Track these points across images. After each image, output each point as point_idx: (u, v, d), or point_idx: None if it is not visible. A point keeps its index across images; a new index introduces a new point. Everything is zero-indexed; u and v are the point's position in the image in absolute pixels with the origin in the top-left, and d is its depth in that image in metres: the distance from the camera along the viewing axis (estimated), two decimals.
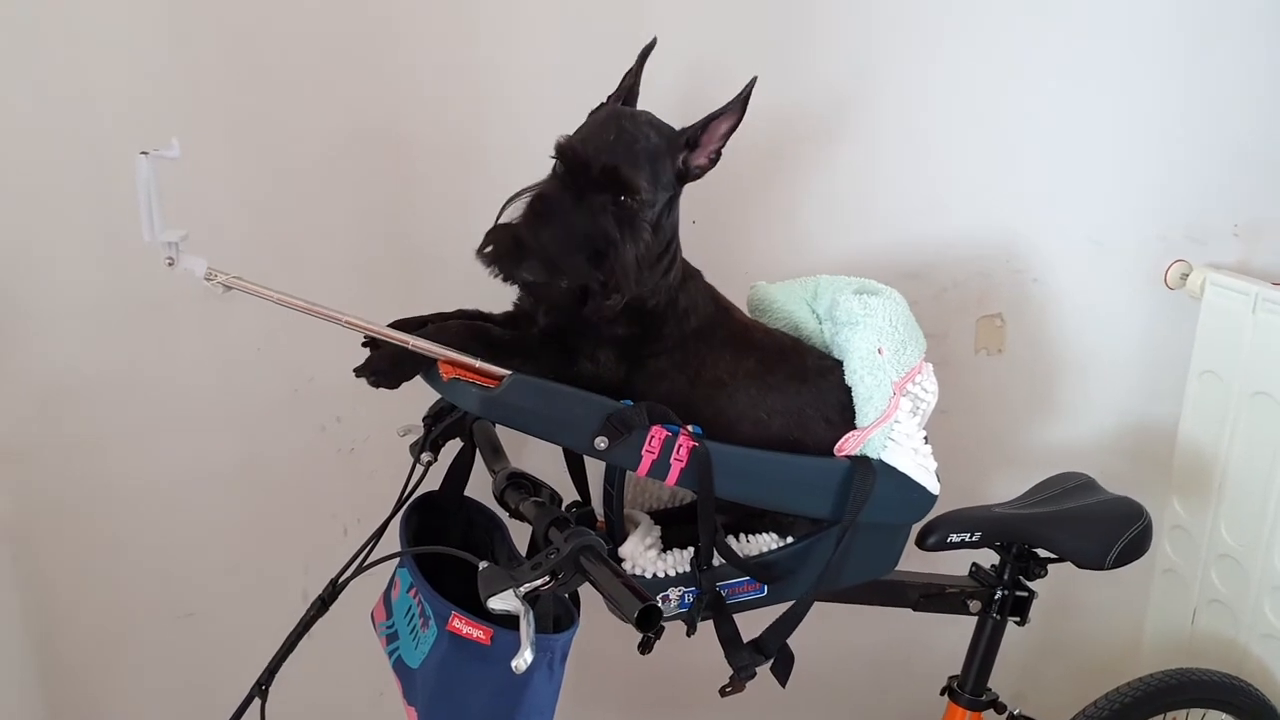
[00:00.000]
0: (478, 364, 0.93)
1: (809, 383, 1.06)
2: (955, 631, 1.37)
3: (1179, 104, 1.60)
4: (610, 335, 0.99)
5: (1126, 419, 1.77)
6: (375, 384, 0.94)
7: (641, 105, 1.02)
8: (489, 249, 0.94)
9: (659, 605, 0.80)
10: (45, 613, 1.34)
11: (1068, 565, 1.28)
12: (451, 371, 0.93)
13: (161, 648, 1.41)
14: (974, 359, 1.65)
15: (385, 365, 0.94)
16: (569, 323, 0.98)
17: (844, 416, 1.06)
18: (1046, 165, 1.58)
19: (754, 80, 0.97)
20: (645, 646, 0.96)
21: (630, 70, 1.04)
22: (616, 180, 0.93)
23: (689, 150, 0.99)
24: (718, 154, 1.01)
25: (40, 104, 1.16)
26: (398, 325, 0.98)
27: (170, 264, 0.88)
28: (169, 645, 1.41)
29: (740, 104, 0.98)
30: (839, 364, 1.09)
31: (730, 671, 1.04)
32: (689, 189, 1.39)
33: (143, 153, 0.85)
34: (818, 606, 1.06)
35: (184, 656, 1.42)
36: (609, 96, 1.04)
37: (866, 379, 1.03)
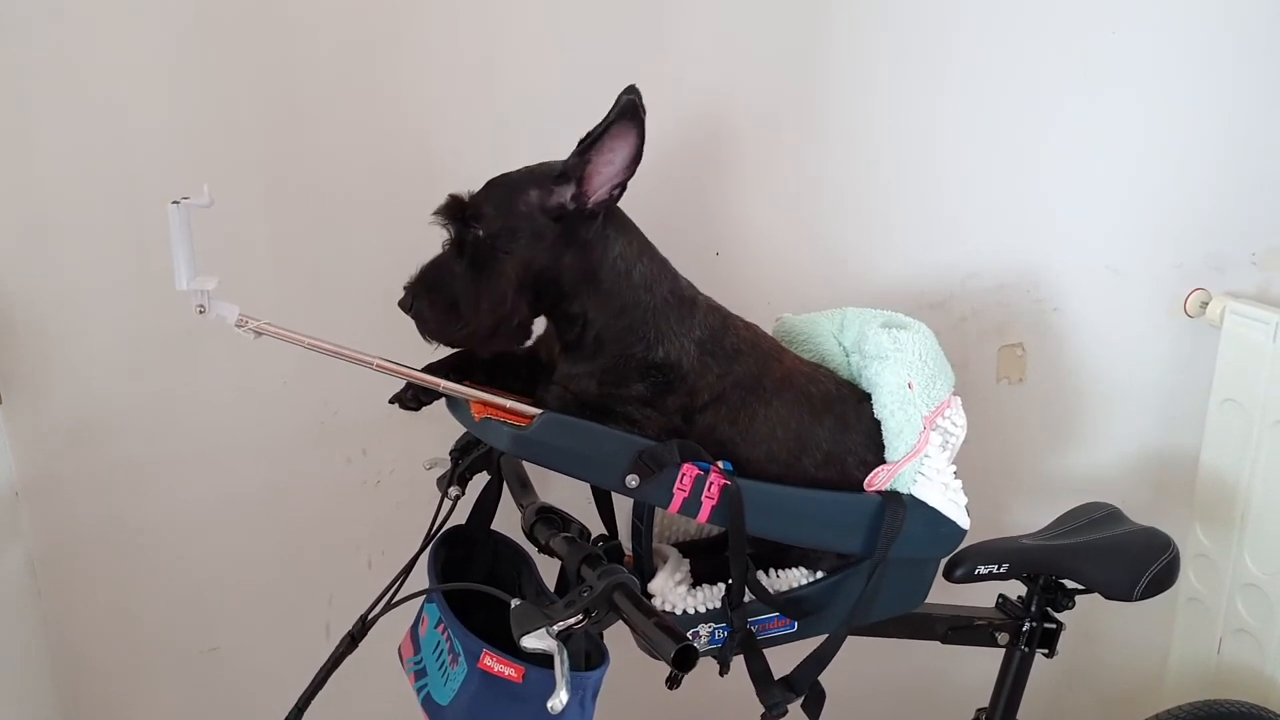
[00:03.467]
0: (509, 404, 0.94)
1: (851, 430, 1.06)
2: (980, 662, 1.36)
3: (1196, 132, 1.60)
4: (630, 395, 0.98)
5: (1148, 447, 1.76)
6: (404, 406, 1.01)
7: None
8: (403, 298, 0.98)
9: (695, 645, 0.80)
10: (69, 647, 1.35)
11: (1091, 595, 1.27)
12: (483, 411, 0.93)
13: (185, 682, 1.41)
14: (995, 388, 1.64)
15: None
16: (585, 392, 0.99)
17: (878, 457, 1.07)
18: (1065, 194, 1.58)
19: (629, 89, 0.90)
20: (673, 683, 0.96)
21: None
22: (461, 208, 0.95)
23: (577, 185, 0.94)
24: (621, 186, 0.96)
25: (76, 141, 1.18)
26: (431, 368, 1.00)
27: (201, 311, 0.88)
28: (193, 680, 1.41)
29: (630, 123, 0.91)
30: (869, 398, 1.09)
31: (759, 708, 1.03)
32: (711, 222, 1.41)
33: (174, 202, 0.85)
34: None
35: (208, 692, 1.42)
36: None
37: (897, 414, 1.04)
